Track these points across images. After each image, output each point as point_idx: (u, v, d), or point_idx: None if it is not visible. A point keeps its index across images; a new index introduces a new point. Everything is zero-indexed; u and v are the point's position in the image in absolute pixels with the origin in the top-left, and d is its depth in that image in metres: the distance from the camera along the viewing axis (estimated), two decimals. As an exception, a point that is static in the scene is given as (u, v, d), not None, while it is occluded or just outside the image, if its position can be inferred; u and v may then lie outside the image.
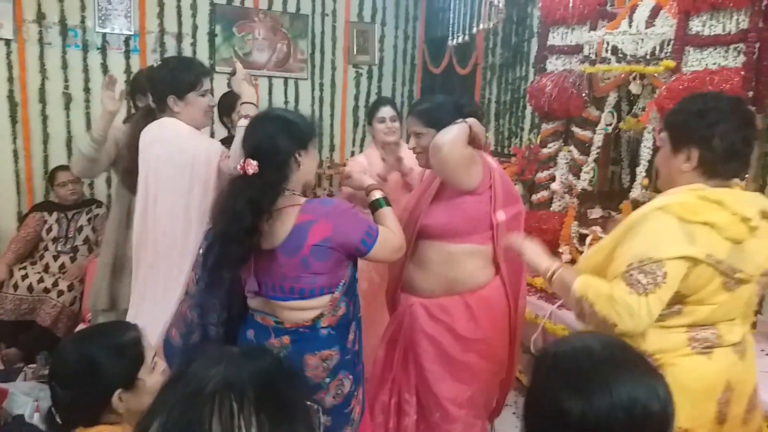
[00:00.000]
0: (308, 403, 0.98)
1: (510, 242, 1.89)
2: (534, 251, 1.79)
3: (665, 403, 0.96)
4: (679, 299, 1.52)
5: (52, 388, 1.44)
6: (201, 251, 1.94)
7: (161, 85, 2.27)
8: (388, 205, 1.99)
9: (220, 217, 1.79)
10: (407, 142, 2.28)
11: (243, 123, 2.14)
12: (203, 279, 1.88)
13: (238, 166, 1.75)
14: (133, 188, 2.39)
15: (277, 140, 1.77)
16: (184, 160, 2.19)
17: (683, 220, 1.46)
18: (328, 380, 1.86)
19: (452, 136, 1.98)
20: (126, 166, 2.46)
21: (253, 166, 1.73)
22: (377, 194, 2.00)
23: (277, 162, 1.77)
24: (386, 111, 3.06)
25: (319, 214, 1.78)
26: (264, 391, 0.76)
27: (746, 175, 2.45)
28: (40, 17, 3.99)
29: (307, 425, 0.80)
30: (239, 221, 1.71)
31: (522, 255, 1.83)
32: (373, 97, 5.08)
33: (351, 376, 1.91)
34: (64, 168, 3.87)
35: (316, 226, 1.76)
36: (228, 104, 3.30)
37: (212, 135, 4.26)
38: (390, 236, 1.88)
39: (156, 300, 2.22)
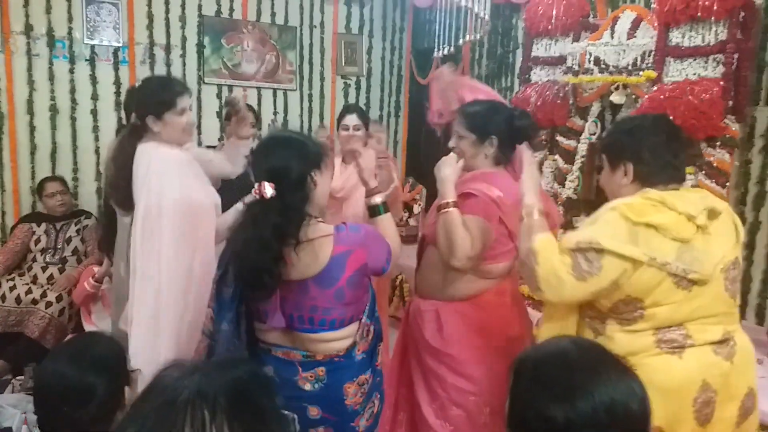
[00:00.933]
0: (284, 412, 0.99)
1: (524, 161, 1.88)
2: (532, 180, 1.81)
3: (643, 400, 1.00)
4: (635, 303, 1.57)
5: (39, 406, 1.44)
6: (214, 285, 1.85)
7: (140, 106, 2.31)
8: (387, 211, 1.93)
9: (245, 246, 1.67)
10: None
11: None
12: (226, 315, 1.77)
13: (254, 191, 1.66)
14: (119, 203, 2.41)
15: (292, 160, 1.69)
16: (190, 203, 2.21)
17: (629, 221, 1.53)
18: (364, 404, 1.83)
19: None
20: (111, 180, 2.45)
21: (270, 188, 1.64)
22: (378, 199, 1.93)
23: (294, 182, 1.67)
24: (350, 119, 3.13)
25: (354, 244, 1.72)
26: (237, 400, 0.76)
27: (727, 183, 2.51)
28: (28, 29, 3.98)
29: None
30: (267, 250, 1.63)
31: (523, 172, 1.84)
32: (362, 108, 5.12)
33: (380, 395, 1.91)
34: (52, 179, 3.87)
35: (353, 256, 1.70)
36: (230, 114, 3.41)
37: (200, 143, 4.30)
38: (396, 250, 1.86)
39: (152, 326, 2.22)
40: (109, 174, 2.47)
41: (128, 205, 2.31)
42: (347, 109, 3.24)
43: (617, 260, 1.52)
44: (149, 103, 2.27)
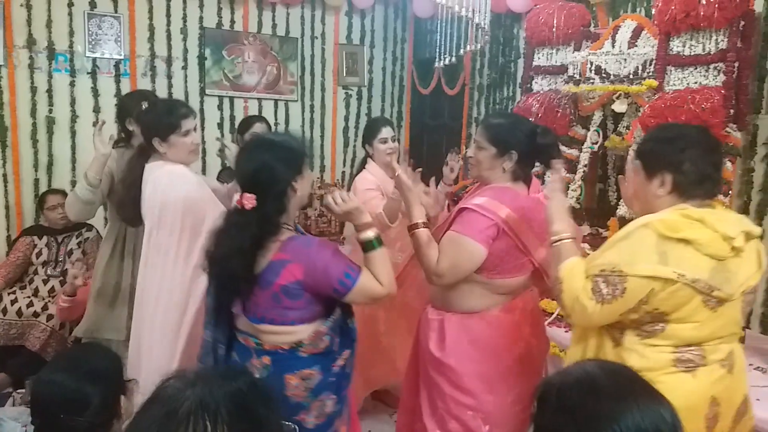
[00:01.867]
0: (286, 422, 0.99)
1: (549, 185, 1.86)
2: (559, 206, 1.77)
3: (674, 427, 0.96)
4: (660, 317, 1.55)
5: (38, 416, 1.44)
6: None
7: (146, 129, 2.43)
8: (381, 245, 1.84)
9: (226, 258, 1.75)
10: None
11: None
12: (212, 314, 1.91)
13: (236, 201, 1.73)
14: (128, 221, 2.51)
15: (274, 171, 1.73)
16: (196, 211, 2.29)
17: (662, 237, 1.51)
18: (309, 400, 1.83)
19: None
20: (120, 199, 2.56)
21: (251, 200, 1.70)
22: (370, 234, 1.82)
23: (274, 193, 1.73)
24: (387, 131, 3.15)
25: (295, 256, 1.74)
26: (237, 411, 0.77)
27: (730, 191, 2.50)
28: (31, 42, 4.01)
29: None
30: (245, 260, 1.72)
31: (547, 200, 1.81)
32: (362, 118, 5.13)
33: (334, 397, 1.88)
34: (53, 191, 3.88)
35: (289, 267, 1.73)
36: (244, 126, 3.61)
37: (203, 170, 4.31)
38: (370, 284, 1.79)
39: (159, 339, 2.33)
40: (119, 193, 2.57)
41: (137, 222, 2.44)
42: (381, 122, 3.22)
43: (643, 281, 1.50)
44: (155, 127, 2.38)
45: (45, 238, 3.71)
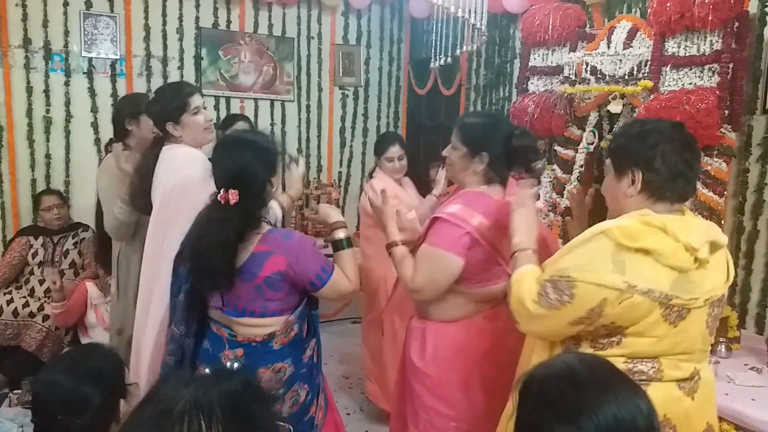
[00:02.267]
0: (280, 423, 0.99)
1: (517, 197, 1.79)
2: (522, 218, 1.72)
3: (650, 417, 0.98)
4: (617, 330, 1.47)
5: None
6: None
7: (157, 116, 2.40)
8: (350, 246, 1.99)
9: (208, 251, 1.79)
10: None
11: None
12: (183, 287, 1.94)
13: (219, 196, 1.78)
14: (141, 209, 2.48)
15: (255, 168, 1.81)
16: (170, 192, 2.25)
17: (620, 246, 1.42)
18: (282, 391, 1.90)
19: None
20: (134, 189, 2.52)
21: (235, 195, 1.76)
22: (341, 234, 1.99)
23: (255, 190, 1.82)
24: (395, 151, 3.29)
25: (277, 247, 1.82)
26: (232, 411, 0.77)
27: (725, 192, 2.51)
28: (27, 42, 4.01)
29: None
30: (227, 253, 1.78)
31: (513, 212, 1.75)
32: (359, 118, 5.13)
33: (307, 386, 1.96)
34: (48, 192, 3.88)
35: (272, 259, 1.81)
36: (227, 124, 3.61)
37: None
38: (341, 281, 1.91)
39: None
40: (132, 183, 2.54)
41: (150, 210, 2.37)
42: (389, 140, 3.36)
43: (593, 288, 1.42)
44: (165, 111, 2.35)
45: (41, 239, 3.71)
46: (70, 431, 1.43)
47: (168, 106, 2.36)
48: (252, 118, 4.54)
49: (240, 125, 3.54)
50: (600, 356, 1.17)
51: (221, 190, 1.78)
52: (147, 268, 2.31)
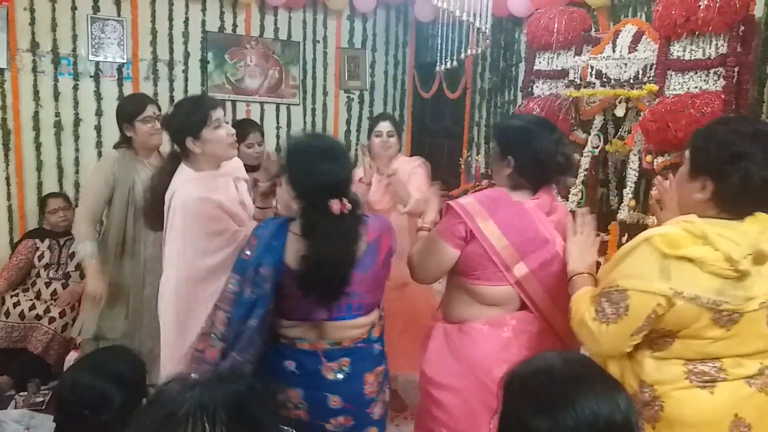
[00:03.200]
0: (284, 427, 1.00)
1: (571, 224, 1.84)
2: (579, 246, 1.78)
3: (627, 413, 1.00)
4: (667, 333, 1.47)
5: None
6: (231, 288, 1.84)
7: (176, 131, 2.26)
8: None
9: (342, 263, 1.74)
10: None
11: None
12: (257, 311, 1.78)
13: (336, 209, 1.71)
14: (151, 226, 2.44)
15: (351, 174, 1.88)
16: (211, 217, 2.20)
17: (663, 254, 1.41)
18: (378, 393, 1.93)
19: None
20: (146, 207, 2.45)
21: (347, 206, 1.74)
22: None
23: (354, 196, 1.82)
24: (383, 126, 3.22)
25: (382, 230, 1.89)
26: (236, 413, 0.78)
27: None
28: (34, 46, 4.03)
29: None
30: (353, 260, 1.76)
31: (567, 238, 1.81)
32: (364, 122, 5.14)
33: (389, 386, 2.03)
34: (55, 195, 3.90)
35: (383, 241, 1.87)
36: (239, 134, 3.45)
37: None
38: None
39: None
40: (146, 200, 2.46)
41: (159, 227, 2.33)
42: (381, 116, 3.37)
43: (646, 296, 1.42)
44: (185, 125, 2.21)
45: (47, 241, 3.72)
46: (93, 428, 1.46)
47: (188, 119, 2.21)
48: (258, 122, 4.56)
49: (253, 137, 3.49)
50: (581, 354, 1.20)
51: (334, 201, 1.70)
52: (184, 291, 2.19)
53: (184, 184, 2.21)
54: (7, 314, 3.49)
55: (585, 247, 1.78)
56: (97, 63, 4.21)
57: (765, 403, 1.48)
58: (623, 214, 2.82)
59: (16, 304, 3.52)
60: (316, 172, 1.75)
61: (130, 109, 2.79)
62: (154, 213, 2.32)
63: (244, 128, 3.52)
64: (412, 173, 3.15)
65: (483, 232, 1.81)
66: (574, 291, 1.68)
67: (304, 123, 4.96)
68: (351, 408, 1.87)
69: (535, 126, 1.90)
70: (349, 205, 1.72)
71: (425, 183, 3.13)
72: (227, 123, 2.29)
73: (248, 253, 1.80)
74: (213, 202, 2.18)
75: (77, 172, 4.24)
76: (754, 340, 1.46)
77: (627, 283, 1.44)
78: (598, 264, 1.89)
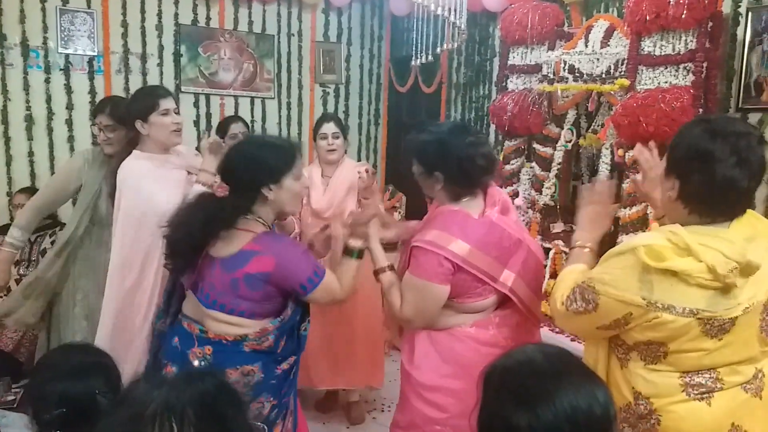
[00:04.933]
0: (256, 423, 0.99)
1: (585, 193, 1.81)
2: (590, 217, 1.75)
3: (606, 406, 1.01)
4: (658, 347, 1.43)
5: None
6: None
7: (128, 113, 2.51)
8: (360, 258, 1.97)
9: (188, 225, 1.84)
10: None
11: (198, 189, 2.31)
12: (166, 298, 2.06)
13: (215, 186, 1.88)
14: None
15: (250, 170, 1.83)
16: (143, 211, 2.38)
17: (645, 267, 1.37)
18: (248, 399, 1.80)
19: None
20: (110, 191, 2.64)
21: (224, 190, 1.83)
22: (358, 243, 1.97)
23: (244, 189, 1.85)
24: (328, 127, 3.16)
25: (268, 249, 1.82)
26: (204, 413, 0.77)
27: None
28: (2, 38, 3.94)
29: None
30: (206, 231, 1.81)
31: (582, 207, 1.78)
32: (340, 116, 5.12)
33: (274, 401, 1.89)
34: (22, 190, 3.84)
35: (260, 258, 1.80)
36: (222, 128, 3.61)
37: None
38: (333, 286, 1.89)
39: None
40: (110, 184, 2.64)
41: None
42: (324, 118, 3.27)
43: (616, 302, 1.41)
44: (136, 108, 2.48)
45: (18, 237, 3.65)
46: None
47: (139, 103, 2.49)
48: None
49: (235, 128, 3.49)
50: (561, 347, 1.17)
51: (219, 183, 1.89)
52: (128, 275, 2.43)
53: (128, 162, 2.47)
54: (-23, 312, 3.42)
55: (597, 217, 1.74)
56: (67, 56, 4.13)
57: (758, 406, 1.46)
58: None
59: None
60: (225, 155, 1.96)
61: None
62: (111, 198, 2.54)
63: (226, 121, 3.67)
64: (352, 188, 3.09)
65: (466, 258, 1.82)
66: (568, 263, 1.69)
67: (279, 117, 4.93)
68: None
69: (447, 135, 1.89)
70: (220, 191, 1.85)
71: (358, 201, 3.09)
72: (178, 114, 2.53)
73: None
74: (150, 180, 2.41)
75: (52, 167, 4.16)
76: (747, 347, 1.43)
77: (601, 288, 1.43)
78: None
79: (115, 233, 2.47)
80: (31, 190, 3.82)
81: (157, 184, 2.41)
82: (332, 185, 3.11)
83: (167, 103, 2.48)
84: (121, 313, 2.44)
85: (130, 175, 2.43)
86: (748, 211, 1.47)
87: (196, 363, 1.83)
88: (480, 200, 1.93)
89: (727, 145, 1.34)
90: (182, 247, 1.85)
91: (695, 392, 1.43)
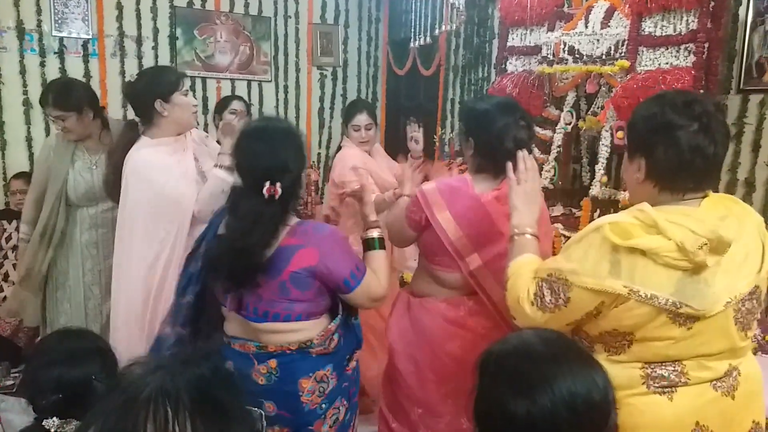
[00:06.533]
0: (252, 408, 0.98)
1: (517, 171, 1.66)
2: (523, 194, 1.61)
3: (605, 391, 1.01)
4: (623, 336, 1.36)
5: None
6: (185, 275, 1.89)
7: (145, 93, 2.31)
8: (383, 247, 1.88)
9: (254, 246, 1.65)
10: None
11: (221, 173, 2.21)
12: (193, 288, 1.83)
13: (265, 191, 1.64)
14: (114, 199, 2.46)
15: (296, 161, 1.71)
16: (156, 203, 2.27)
17: (613, 246, 1.31)
18: (324, 407, 1.77)
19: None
20: (106, 176, 2.55)
21: (279, 189, 1.64)
22: (375, 233, 1.88)
23: (295, 184, 1.72)
24: (361, 119, 3.14)
25: (308, 240, 1.69)
26: (199, 397, 0.76)
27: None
28: (-5, 21, 3.90)
29: (246, 429, 0.80)
30: (264, 247, 1.66)
31: (510, 189, 1.65)
32: (338, 99, 5.09)
33: (347, 404, 1.85)
34: (18, 175, 3.82)
35: (302, 253, 1.67)
36: (221, 105, 3.57)
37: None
38: (373, 283, 1.78)
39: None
40: (107, 171, 2.55)
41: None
42: (357, 107, 3.21)
43: (588, 293, 1.33)
44: (155, 87, 2.29)
45: (15, 223, 3.64)
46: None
47: (160, 82, 2.30)
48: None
49: (236, 104, 3.48)
50: (557, 332, 1.16)
51: (267, 184, 1.64)
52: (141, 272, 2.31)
53: (138, 151, 2.31)
54: (-25, 296, 3.43)
55: (530, 198, 1.62)
56: (61, 39, 4.09)
57: (730, 407, 1.37)
58: (595, 190, 2.84)
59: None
60: (250, 153, 1.72)
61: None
62: (114, 185, 2.39)
63: (226, 99, 3.65)
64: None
65: (439, 222, 1.87)
66: (513, 254, 1.55)
67: (276, 100, 4.90)
68: (286, 416, 1.75)
69: (495, 109, 1.90)
70: (279, 190, 1.63)
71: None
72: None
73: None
74: (162, 171, 2.29)
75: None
76: (719, 339, 1.35)
77: (575, 279, 1.34)
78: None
79: (122, 225, 2.36)
80: (26, 175, 3.80)
81: (169, 173, 2.30)
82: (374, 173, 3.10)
83: (187, 83, 2.41)
84: (133, 304, 2.34)
85: (139, 167, 2.29)
86: (727, 195, 1.45)
87: (262, 381, 1.73)
88: (490, 180, 1.94)
89: (688, 112, 1.33)
90: (256, 268, 1.66)
91: (656, 385, 1.35)
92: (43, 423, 1.42)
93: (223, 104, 3.57)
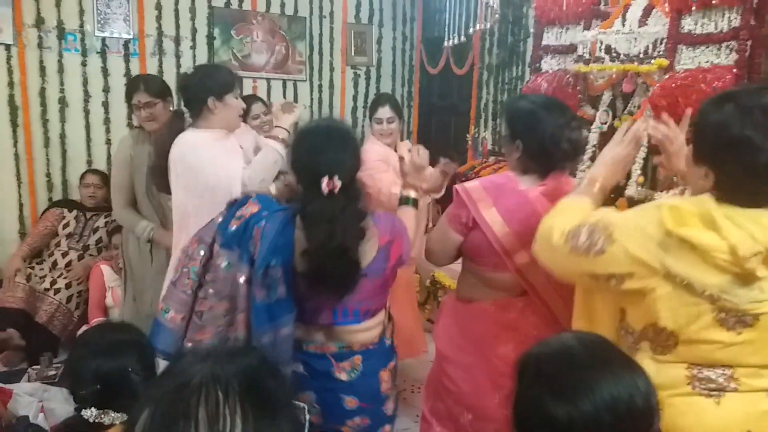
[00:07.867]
0: (295, 402, 1.01)
1: (618, 133, 1.63)
2: (614, 155, 1.59)
3: (648, 395, 0.98)
4: (667, 334, 1.30)
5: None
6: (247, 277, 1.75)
7: (199, 87, 2.31)
8: (416, 207, 1.95)
9: (348, 249, 1.62)
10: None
11: (275, 144, 2.25)
12: (287, 316, 1.71)
13: (324, 185, 1.59)
14: (161, 189, 2.52)
15: (354, 160, 1.72)
16: (203, 190, 2.25)
17: (667, 231, 1.25)
18: (392, 390, 1.88)
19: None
20: (151, 164, 2.59)
21: (336, 183, 1.60)
22: (413, 193, 1.96)
23: (351, 179, 1.68)
24: (383, 112, 3.12)
25: (394, 234, 1.75)
26: (248, 385, 0.78)
27: None
28: (39, 22, 4.00)
29: (291, 421, 0.82)
30: (351, 249, 1.62)
31: (607, 146, 1.63)
32: (371, 98, 5.10)
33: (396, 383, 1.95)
34: (93, 171, 4.02)
35: (395, 246, 1.75)
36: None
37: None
38: (413, 242, 1.88)
39: None
40: (152, 160, 2.59)
41: (167, 188, 2.42)
42: (380, 101, 3.19)
43: (627, 257, 1.27)
44: (211, 84, 2.30)
45: (75, 212, 3.84)
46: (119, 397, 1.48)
47: (216, 80, 2.32)
48: (265, 98, 4.54)
49: (256, 108, 3.50)
50: (598, 335, 1.13)
51: (326, 178, 1.59)
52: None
53: (185, 135, 2.32)
54: (29, 278, 3.57)
55: (622, 160, 1.60)
56: (104, 39, 4.19)
57: None
58: (631, 190, 2.81)
59: (31, 275, 3.60)
60: (311, 150, 1.70)
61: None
62: (161, 174, 2.39)
63: (246, 102, 3.56)
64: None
65: (485, 219, 1.81)
66: (574, 193, 1.56)
67: (311, 99, 4.94)
68: (367, 407, 1.82)
69: (542, 109, 1.82)
70: (338, 183, 1.59)
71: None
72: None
73: (251, 249, 1.72)
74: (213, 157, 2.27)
75: (89, 148, 4.25)
76: None
77: (621, 237, 1.29)
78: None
79: (174, 208, 2.36)
80: (99, 174, 4.02)
81: (218, 155, 2.28)
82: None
83: (240, 86, 2.42)
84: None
85: (189, 150, 2.28)
86: None
87: (344, 377, 1.76)
88: (538, 181, 1.85)
89: (763, 127, 1.18)
90: (355, 271, 1.64)
91: (702, 386, 1.28)
92: (82, 413, 1.46)
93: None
